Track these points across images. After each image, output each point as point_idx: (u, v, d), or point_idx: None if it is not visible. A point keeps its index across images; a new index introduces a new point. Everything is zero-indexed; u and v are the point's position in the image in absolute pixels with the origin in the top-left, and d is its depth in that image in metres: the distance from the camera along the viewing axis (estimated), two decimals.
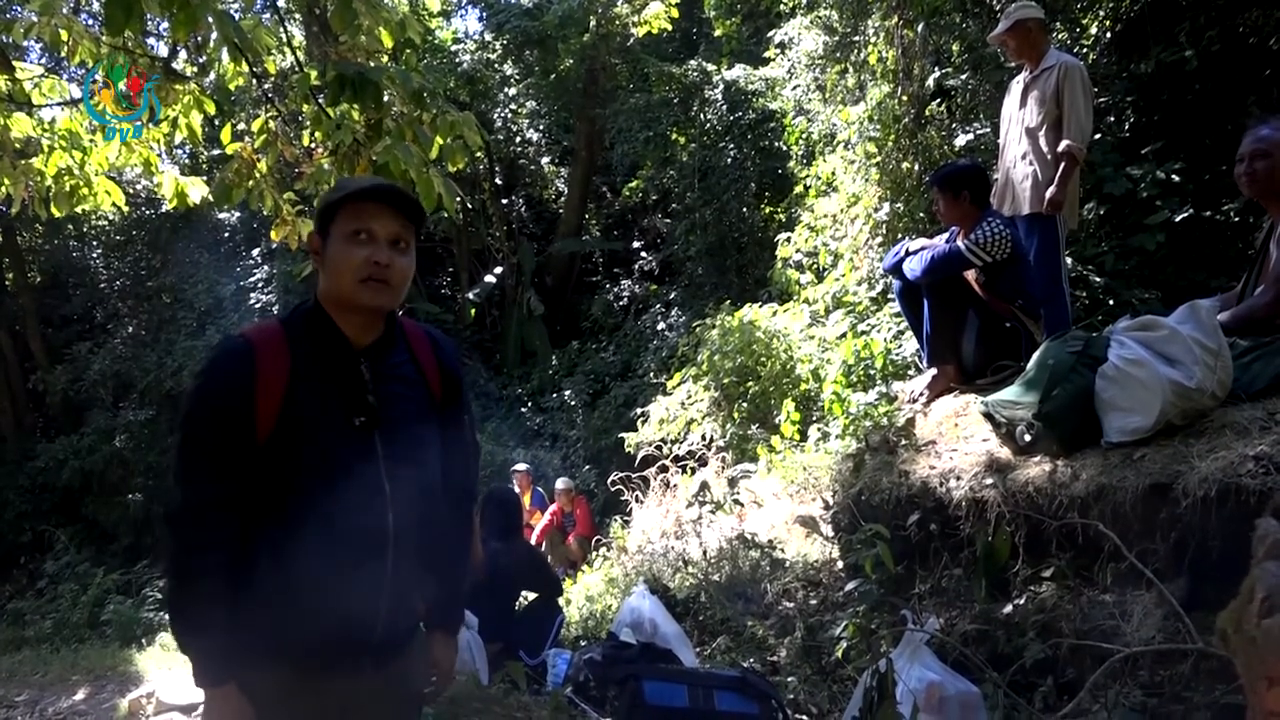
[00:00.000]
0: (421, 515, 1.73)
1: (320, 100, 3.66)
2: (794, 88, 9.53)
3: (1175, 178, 5.40)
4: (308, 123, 4.05)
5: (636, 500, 7.13)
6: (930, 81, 6.65)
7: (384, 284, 1.64)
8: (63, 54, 4.11)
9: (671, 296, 13.14)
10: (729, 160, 11.87)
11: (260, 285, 14.78)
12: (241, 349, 1.61)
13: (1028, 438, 3.30)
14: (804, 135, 8.68)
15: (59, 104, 4.50)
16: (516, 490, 8.82)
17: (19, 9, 4.37)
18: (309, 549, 1.60)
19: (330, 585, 1.62)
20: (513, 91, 16.17)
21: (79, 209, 4.63)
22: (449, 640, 1.94)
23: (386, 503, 1.66)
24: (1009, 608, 3.12)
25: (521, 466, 9.74)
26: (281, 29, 4.43)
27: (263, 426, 1.58)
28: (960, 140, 6.38)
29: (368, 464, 1.66)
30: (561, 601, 5.35)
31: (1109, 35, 6.48)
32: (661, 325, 12.70)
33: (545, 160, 17.78)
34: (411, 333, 1.81)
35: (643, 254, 15.49)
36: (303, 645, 1.64)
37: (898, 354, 5.27)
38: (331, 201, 1.67)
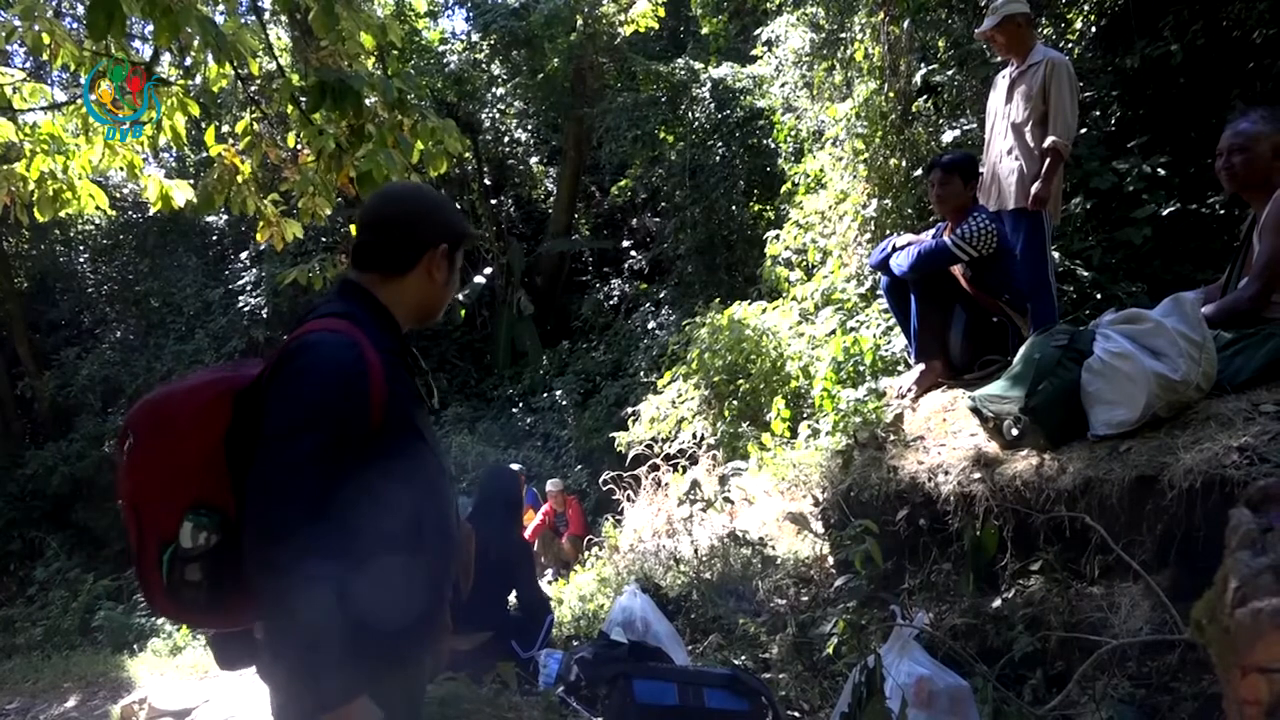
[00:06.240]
0: None
1: (303, 105, 3.65)
2: (781, 85, 9.54)
3: (1161, 172, 5.43)
4: (293, 124, 4.04)
5: (628, 499, 7.13)
6: (917, 78, 6.66)
7: None
8: (45, 58, 4.09)
9: (661, 295, 13.12)
10: (717, 158, 11.85)
11: (249, 289, 14.71)
12: (354, 348, 1.58)
13: (1015, 432, 3.31)
14: (792, 132, 8.69)
15: (42, 108, 4.47)
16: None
17: (0, 13, 4.34)
18: (413, 533, 1.65)
19: (428, 568, 1.66)
20: (500, 91, 16.13)
21: (63, 213, 4.60)
22: None
23: (450, 482, 1.78)
24: (997, 601, 3.13)
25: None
26: (264, 32, 4.41)
27: (375, 415, 1.59)
28: (947, 136, 6.39)
29: (437, 444, 1.76)
30: (553, 601, 5.35)
31: (1094, 30, 6.51)
32: (652, 324, 12.67)
33: (534, 160, 17.74)
34: None
35: (632, 253, 15.46)
36: (401, 632, 1.63)
37: (886, 350, 5.28)
38: (469, 234, 1.90)
